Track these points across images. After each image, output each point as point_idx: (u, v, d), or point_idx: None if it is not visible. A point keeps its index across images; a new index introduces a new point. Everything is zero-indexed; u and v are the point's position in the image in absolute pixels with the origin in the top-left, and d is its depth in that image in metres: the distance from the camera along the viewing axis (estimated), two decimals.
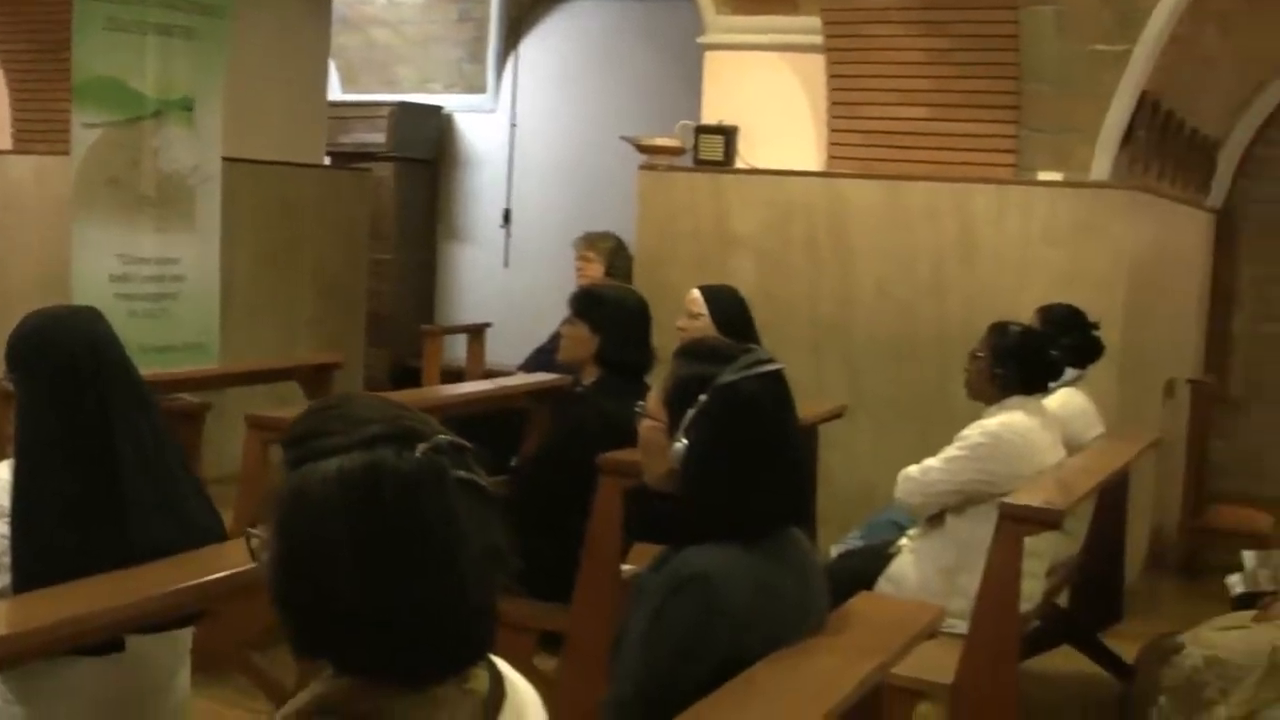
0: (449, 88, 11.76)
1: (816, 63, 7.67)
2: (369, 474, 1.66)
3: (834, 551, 5.56)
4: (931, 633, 3.22)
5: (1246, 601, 5.06)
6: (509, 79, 11.64)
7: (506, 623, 1.83)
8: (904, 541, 5.04)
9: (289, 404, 5.65)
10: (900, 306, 7.07)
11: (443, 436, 1.72)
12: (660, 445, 2.76)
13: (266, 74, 8.96)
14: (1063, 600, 5.90)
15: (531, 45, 11.62)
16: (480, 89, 11.68)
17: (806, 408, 5.63)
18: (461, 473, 1.70)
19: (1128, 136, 7.23)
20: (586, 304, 5.06)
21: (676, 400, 2.73)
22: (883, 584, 4.82)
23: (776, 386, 2.76)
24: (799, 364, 6.60)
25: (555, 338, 5.97)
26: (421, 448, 1.69)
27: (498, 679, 1.79)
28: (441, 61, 11.76)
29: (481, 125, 11.74)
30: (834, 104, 7.62)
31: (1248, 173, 9.87)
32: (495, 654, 1.81)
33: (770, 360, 2.78)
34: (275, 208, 9.08)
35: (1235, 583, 5.35)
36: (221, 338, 7.61)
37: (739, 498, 2.68)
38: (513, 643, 4.24)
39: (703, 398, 2.69)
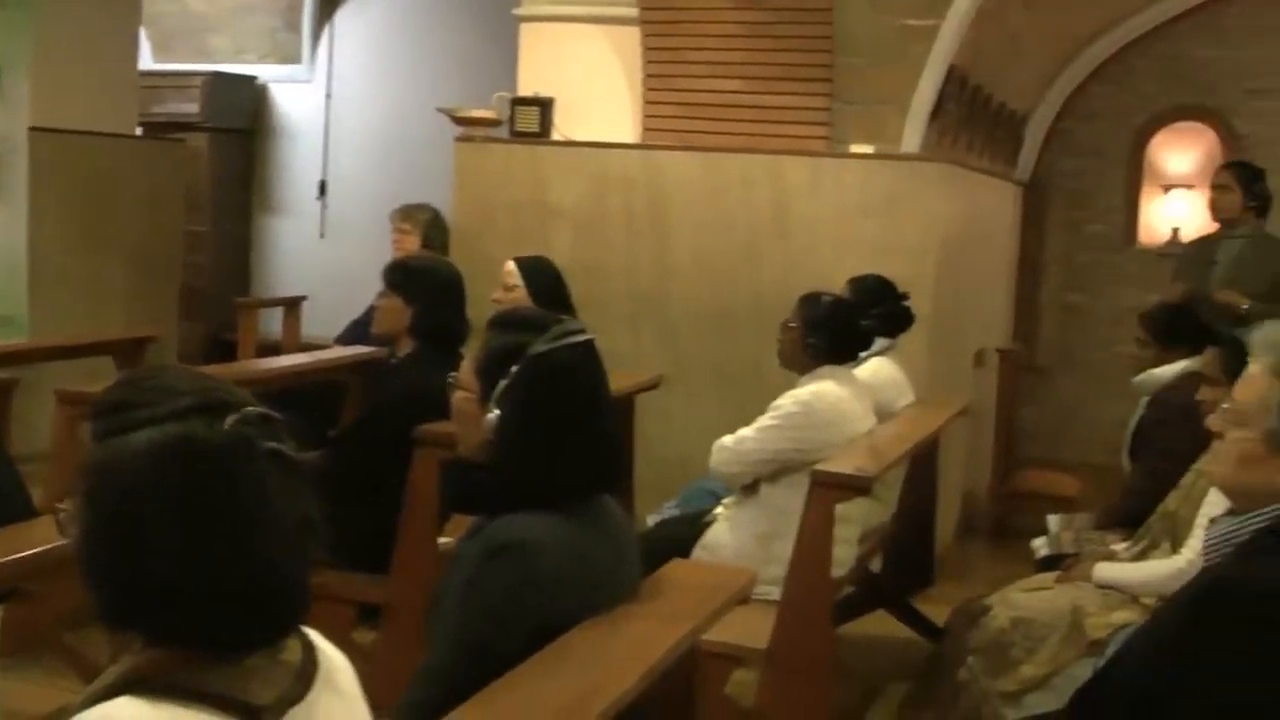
0: (264, 58, 11.59)
1: (632, 35, 7.71)
2: (179, 445, 1.66)
3: (651, 521, 5.61)
4: (744, 598, 3.27)
5: (1051, 563, 5.18)
6: (324, 49, 11.51)
7: (324, 595, 1.84)
8: (719, 510, 5.11)
9: (101, 379, 5.55)
10: (717, 278, 7.14)
11: (252, 408, 1.72)
12: (474, 415, 2.78)
13: (76, 42, 8.74)
14: (876, 566, 6.01)
15: (347, 15, 11.49)
16: (295, 59, 11.53)
17: (623, 378, 5.69)
18: (271, 444, 1.71)
19: (937, 110, 7.37)
20: (400, 276, 5.04)
21: (489, 371, 2.75)
22: (699, 552, 4.88)
23: (587, 356, 2.79)
24: (617, 335, 6.67)
25: (371, 310, 5.94)
26: (231, 419, 1.69)
27: (310, 649, 1.80)
28: (256, 31, 11.58)
29: (297, 96, 11.59)
30: (649, 76, 7.67)
31: (1054, 146, 10.12)
32: (313, 627, 1.82)
33: (581, 330, 2.81)
34: (86, 179, 8.88)
35: (1040, 545, 5.48)
36: (31, 312, 7.45)
37: (551, 466, 2.71)
38: (331, 615, 4.23)
39: (515, 368, 2.71)
